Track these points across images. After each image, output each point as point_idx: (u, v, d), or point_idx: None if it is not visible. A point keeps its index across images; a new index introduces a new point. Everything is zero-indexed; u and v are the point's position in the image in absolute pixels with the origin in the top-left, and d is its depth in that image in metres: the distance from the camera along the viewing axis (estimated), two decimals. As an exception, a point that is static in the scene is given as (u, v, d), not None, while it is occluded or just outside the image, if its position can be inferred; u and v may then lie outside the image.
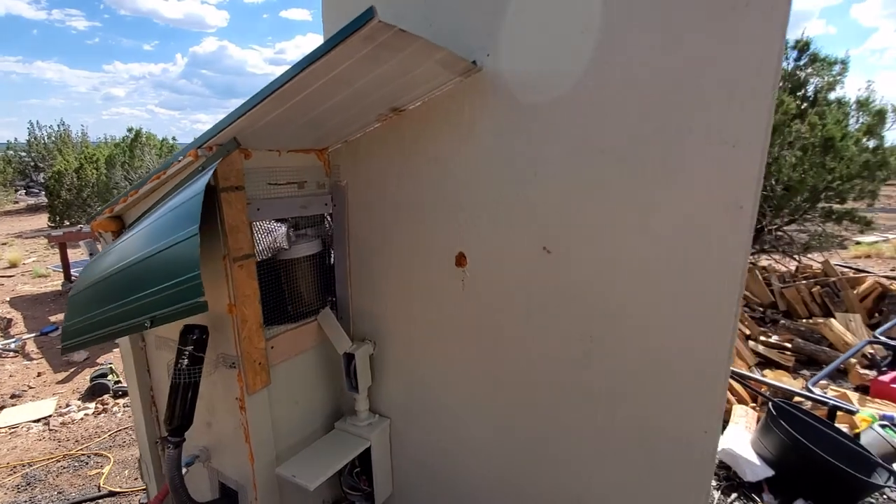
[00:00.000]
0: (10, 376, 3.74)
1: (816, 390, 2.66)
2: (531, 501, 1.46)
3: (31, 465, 2.48)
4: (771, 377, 2.97)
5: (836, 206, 4.84)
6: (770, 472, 2.23)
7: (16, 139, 21.90)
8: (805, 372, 3.50)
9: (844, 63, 5.06)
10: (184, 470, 1.57)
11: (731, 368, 2.10)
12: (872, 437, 2.40)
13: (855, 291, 4.65)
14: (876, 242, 8.69)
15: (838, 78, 5.01)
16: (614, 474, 1.29)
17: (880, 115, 4.23)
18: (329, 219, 1.69)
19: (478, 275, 1.41)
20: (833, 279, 4.83)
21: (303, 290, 1.64)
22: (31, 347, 4.42)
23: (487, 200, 1.35)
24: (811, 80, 4.47)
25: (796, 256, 5.38)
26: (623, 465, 1.27)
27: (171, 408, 1.36)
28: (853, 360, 3.34)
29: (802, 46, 4.69)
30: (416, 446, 1.70)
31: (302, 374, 1.63)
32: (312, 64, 0.97)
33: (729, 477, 2.31)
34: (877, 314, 4.52)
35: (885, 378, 2.97)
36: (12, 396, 3.36)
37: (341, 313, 1.72)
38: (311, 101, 1.17)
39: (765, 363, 3.76)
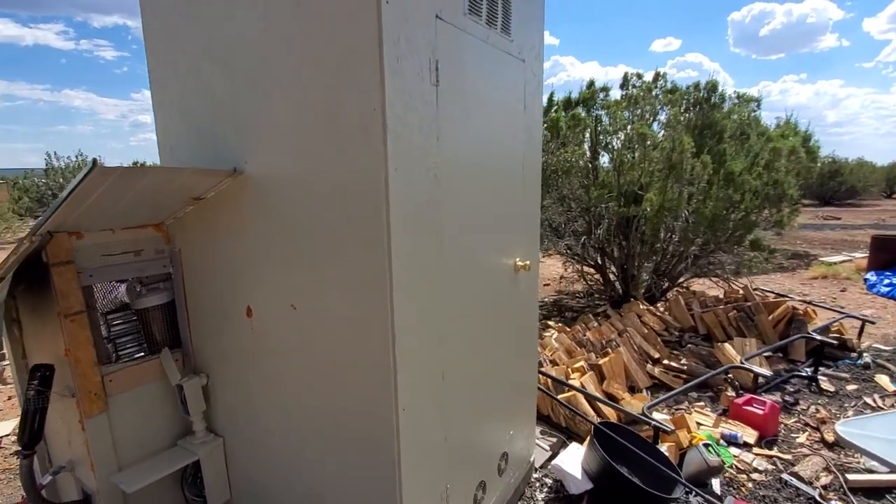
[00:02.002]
0: (-19, 400, 4.23)
1: (658, 414, 2.95)
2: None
3: (-26, 478, 2.93)
4: (633, 399, 3.27)
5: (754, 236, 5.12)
6: (589, 486, 2.54)
7: (34, 169, 23.04)
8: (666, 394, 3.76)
9: (758, 100, 5.41)
10: (48, 478, 2.00)
11: (591, 392, 2.44)
12: (694, 455, 2.69)
13: (770, 316, 4.89)
14: (841, 262, 8.81)
15: (752, 115, 5.34)
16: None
17: (775, 152, 4.53)
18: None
19: (261, 320, 1.82)
20: (749, 304, 5.07)
21: (151, 332, 2.06)
22: (7, 373, 4.93)
23: (259, 267, 1.76)
24: (719, 122, 4.81)
25: (722, 280, 5.64)
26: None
27: (21, 428, 1.78)
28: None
29: (711, 87, 5.05)
30: (243, 459, 2.09)
31: (146, 401, 2.04)
32: (78, 187, 1.40)
33: (558, 489, 2.62)
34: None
35: (739, 401, 3.24)
36: (-23, 418, 3.84)
37: (185, 351, 2.14)
38: (107, 200, 1.60)
39: (660, 385, 4.04)
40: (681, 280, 5.85)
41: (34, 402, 1.77)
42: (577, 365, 3.65)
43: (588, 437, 2.68)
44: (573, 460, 2.69)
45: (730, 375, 3.47)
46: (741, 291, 5.49)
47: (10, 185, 20.31)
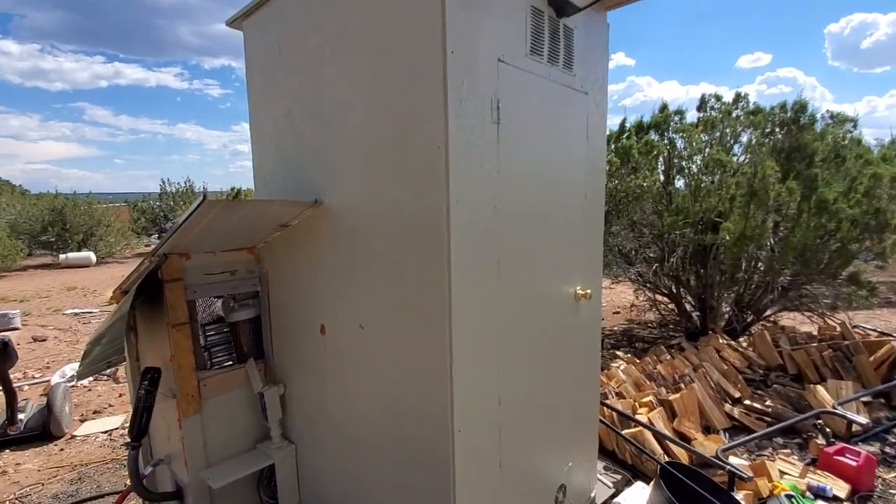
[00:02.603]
0: (98, 395, 4.86)
1: (736, 459, 2.73)
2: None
3: (86, 466, 3.37)
4: (707, 441, 3.06)
5: (855, 268, 4.63)
6: (654, 529, 2.41)
7: (150, 193, 26.25)
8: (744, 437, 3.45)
9: (854, 120, 4.96)
10: (149, 469, 2.28)
11: (659, 429, 2.36)
12: (776, 507, 2.47)
13: (872, 357, 4.36)
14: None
15: (847, 134, 4.91)
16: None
17: (875, 178, 4.11)
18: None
19: (333, 338, 1.98)
20: (847, 342, 4.56)
21: (240, 343, 2.31)
22: (121, 373, 5.61)
23: (333, 288, 1.93)
24: (809, 144, 4.47)
25: (816, 315, 5.12)
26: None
27: (131, 423, 2.06)
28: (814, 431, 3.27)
29: (799, 107, 4.72)
30: (312, 467, 2.25)
31: (232, 405, 2.27)
32: (191, 216, 1.65)
33: (621, 529, 2.52)
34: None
35: (830, 449, 2.92)
36: (94, 412, 4.41)
37: (267, 362, 2.36)
38: (212, 227, 1.86)
39: (741, 428, 3.73)
40: (767, 313, 5.40)
41: (143, 400, 2.05)
42: (645, 399, 3.49)
43: (655, 478, 2.55)
44: (638, 500, 2.57)
45: (821, 421, 3.14)
46: (838, 328, 4.95)
47: (130, 207, 23.25)
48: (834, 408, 3.22)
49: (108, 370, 5.63)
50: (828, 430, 3.16)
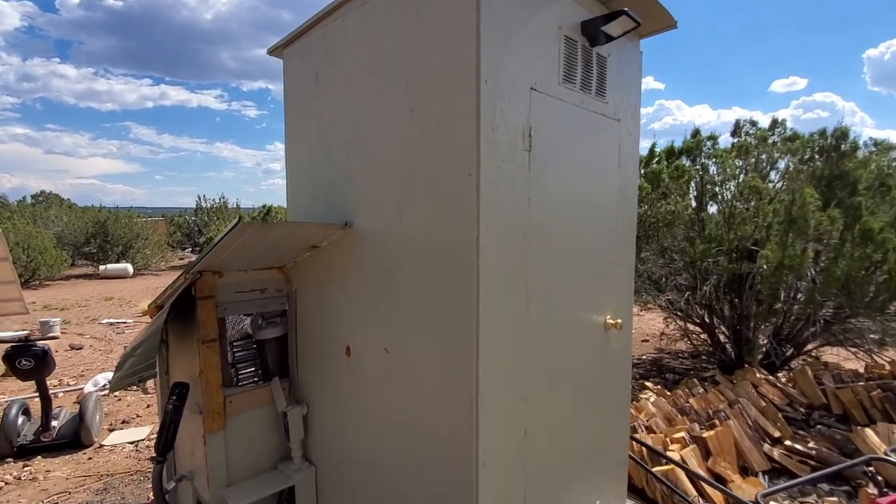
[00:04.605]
0: (127, 405, 4.97)
1: None
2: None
3: (112, 476, 3.43)
4: (745, 483, 2.88)
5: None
6: (687, 577, 2.27)
7: (187, 209, 27.29)
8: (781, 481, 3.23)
9: (900, 148, 4.76)
10: (172, 484, 2.29)
11: (692, 468, 2.24)
12: (823, 561, 2.29)
13: (926, 400, 4.06)
14: None
15: (893, 163, 4.71)
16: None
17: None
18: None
19: (358, 359, 1.97)
20: (899, 383, 4.27)
21: (266, 361, 2.33)
22: (149, 384, 5.74)
23: (360, 311, 1.93)
24: (852, 172, 4.30)
25: (863, 352, 4.83)
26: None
27: (158, 437, 2.08)
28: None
29: (840, 134, 4.56)
30: (332, 490, 2.22)
31: (255, 424, 2.28)
32: (226, 236, 1.69)
33: (650, 575, 2.38)
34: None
35: (883, 501, 2.70)
36: (123, 422, 4.51)
37: (291, 382, 2.37)
38: (245, 247, 1.90)
39: (781, 471, 3.51)
40: (808, 347, 5.13)
41: (171, 414, 2.08)
42: (677, 435, 3.34)
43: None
44: (669, 544, 2.43)
45: (871, 468, 2.92)
46: (887, 367, 4.66)
47: (167, 222, 24.20)
48: (886, 454, 3.00)
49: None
50: (879, 478, 2.94)
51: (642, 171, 4.78)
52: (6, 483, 3.40)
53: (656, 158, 4.94)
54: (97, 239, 16.58)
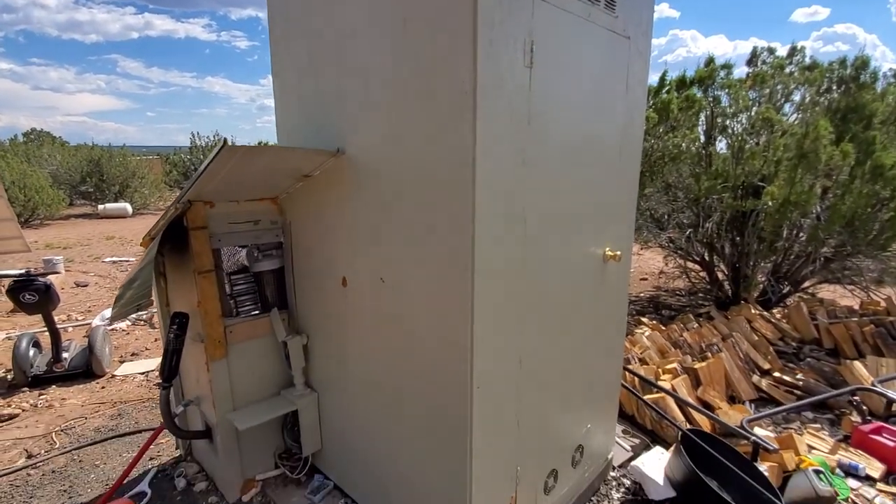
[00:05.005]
0: (136, 339, 5.11)
1: (761, 430, 2.67)
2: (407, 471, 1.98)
3: (125, 403, 3.58)
4: (731, 410, 3.00)
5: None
6: (671, 494, 2.41)
7: (181, 147, 26.55)
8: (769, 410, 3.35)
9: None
10: (180, 409, 2.38)
11: (682, 396, 2.30)
12: (801, 480, 2.41)
13: (918, 335, 4.14)
14: None
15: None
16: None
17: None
18: (284, 244, 2.37)
19: (354, 290, 1.97)
20: (892, 319, 4.33)
21: (265, 293, 2.34)
22: (156, 319, 5.87)
23: (355, 241, 1.90)
24: (868, 104, 4.10)
25: (860, 289, 4.87)
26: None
27: (162, 363, 2.13)
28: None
29: (861, 64, 4.31)
30: (334, 414, 2.30)
31: (257, 352, 2.32)
32: (212, 162, 1.62)
33: (636, 492, 2.52)
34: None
35: (865, 428, 2.82)
36: (132, 354, 4.65)
37: (291, 312, 2.39)
38: (234, 174, 1.83)
39: (768, 400, 3.64)
40: (805, 285, 5.17)
41: (173, 343, 2.11)
42: (669, 366, 3.43)
43: (675, 444, 2.52)
44: (655, 465, 2.56)
45: (857, 398, 3.02)
46: (883, 304, 4.71)
47: (163, 161, 23.71)
48: (873, 385, 3.09)
49: (145, 315, 5.90)
50: (864, 408, 3.05)
51: (650, 102, 4.57)
52: (23, 410, 3.56)
53: (666, 88, 4.71)
54: (93, 178, 16.35)
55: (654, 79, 5.38)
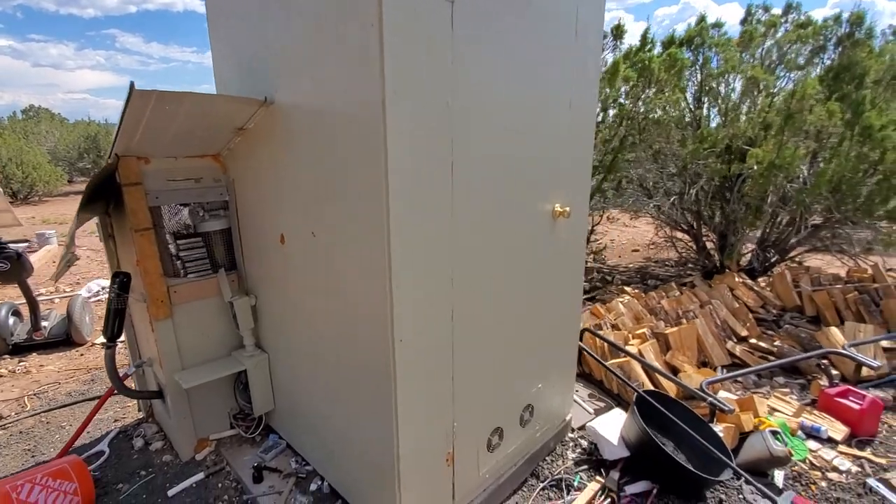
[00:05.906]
0: (119, 309, 5.15)
1: (728, 394, 2.64)
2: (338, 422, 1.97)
3: (99, 370, 3.61)
4: (696, 374, 2.96)
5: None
6: (625, 453, 2.39)
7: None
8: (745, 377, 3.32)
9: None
10: (132, 369, 2.38)
11: (648, 361, 2.24)
12: (756, 441, 2.39)
13: (902, 301, 4.05)
14: None
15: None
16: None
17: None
18: (231, 204, 2.32)
19: (291, 248, 1.93)
20: (877, 286, 4.24)
21: (213, 254, 2.30)
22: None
23: (288, 196, 1.85)
24: (861, 62, 3.91)
25: (849, 257, 4.76)
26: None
27: (105, 323, 2.12)
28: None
29: (856, 20, 4.10)
30: (283, 375, 2.29)
31: (206, 313, 2.30)
32: (127, 107, 1.55)
33: (591, 452, 2.52)
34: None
35: (832, 391, 2.78)
36: (113, 322, 4.69)
37: (240, 273, 2.36)
38: (157, 124, 1.76)
39: (741, 365, 3.60)
40: (792, 254, 5.07)
41: (114, 302, 2.10)
42: (639, 332, 3.39)
43: (630, 405, 2.50)
44: (611, 425, 2.54)
45: (826, 361, 2.97)
46: (869, 271, 4.61)
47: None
48: (844, 348, 3.03)
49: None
50: (835, 372, 3.00)
51: (630, 61, 4.39)
52: (2, 376, 3.61)
53: (648, 47, 4.52)
54: (91, 154, 16.34)
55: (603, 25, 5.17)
